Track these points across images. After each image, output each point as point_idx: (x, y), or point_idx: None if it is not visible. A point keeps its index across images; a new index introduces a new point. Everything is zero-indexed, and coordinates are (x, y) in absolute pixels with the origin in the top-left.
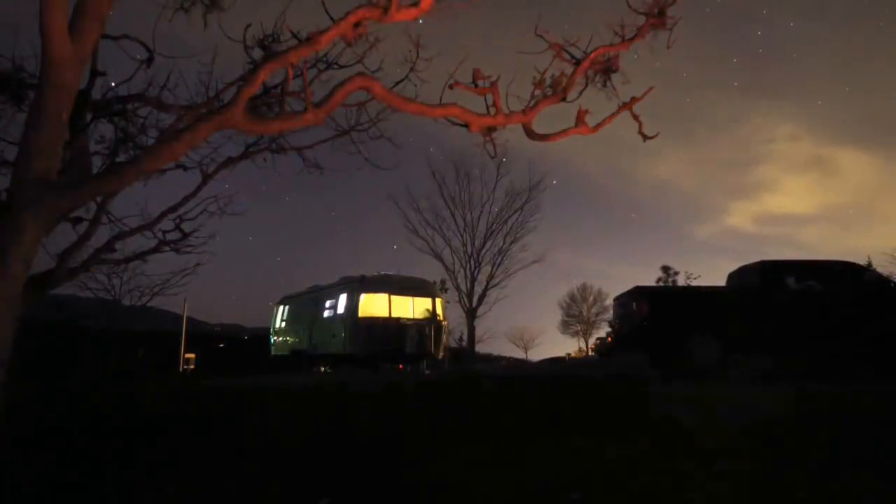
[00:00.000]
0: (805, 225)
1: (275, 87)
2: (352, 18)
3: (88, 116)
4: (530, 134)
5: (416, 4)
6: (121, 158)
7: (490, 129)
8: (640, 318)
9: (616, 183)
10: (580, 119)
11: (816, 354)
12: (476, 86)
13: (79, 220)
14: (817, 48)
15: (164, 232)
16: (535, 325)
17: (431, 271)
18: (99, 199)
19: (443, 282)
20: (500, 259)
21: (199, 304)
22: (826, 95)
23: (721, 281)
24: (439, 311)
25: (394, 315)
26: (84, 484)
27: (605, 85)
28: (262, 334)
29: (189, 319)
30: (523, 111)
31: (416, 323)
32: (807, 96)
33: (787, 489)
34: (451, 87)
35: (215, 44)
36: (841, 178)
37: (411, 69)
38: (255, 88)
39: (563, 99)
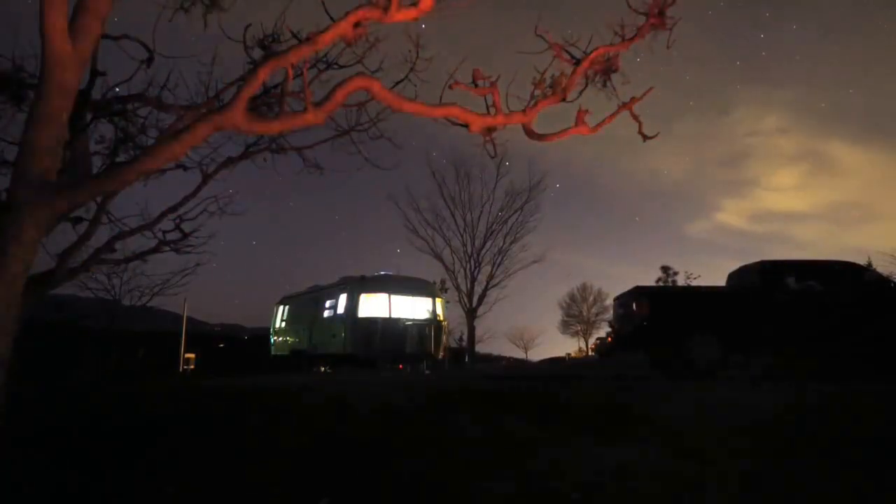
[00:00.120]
0: (803, 222)
1: (275, 87)
2: (352, 18)
3: (88, 116)
4: (530, 134)
5: (415, 4)
6: (121, 158)
7: (490, 129)
8: (640, 318)
9: (615, 183)
10: (580, 119)
11: (816, 354)
12: (476, 86)
13: (79, 220)
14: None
15: (164, 232)
16: (535, 325)
17: (431, 271)
18: (99, 199)
19: (443, 282)
20: (500, 259)
21: (199, 304)
22: (828, 94)
23: (719, 280)
24: (439, 311)
25: (394, 315)
26: (84, 484)
27: (605, 85)
28: (262, 334)
29: (189, 319)
30: (523, 111)
31: (416, 323)
32: (809, 96)
33: (787, 489)
34: (451, 87)
35: (215, 44)
36: (840, 175)
37: (411, 69)
38: (255, 88)
39: (563, 99)
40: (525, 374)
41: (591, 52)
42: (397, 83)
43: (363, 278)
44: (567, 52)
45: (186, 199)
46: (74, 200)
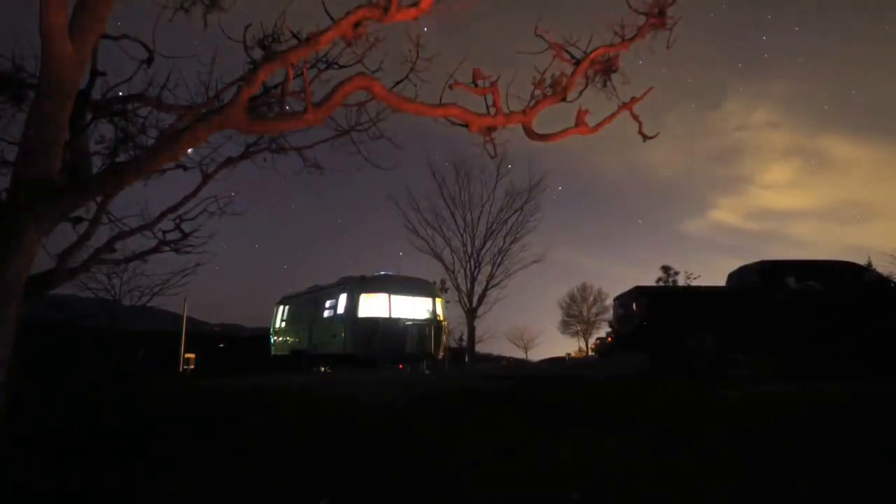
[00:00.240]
0: (801, 220)
1: (275, 87)
2: (352, 18)
3: (88, 116)
4: (530, 134)
5: (416, 4)
6: (121, 158)
7: (490, 129)
8: (640, 318)
9: (614, 183)
10: (580, 119)
11: (816, 354)
12: (476, 86)
13: (79, 220)
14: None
15: (164, 232)
16: (535, 325)
17: (431, 271)
18: (99, 199)
19: (443, 282)
20: (500, 259)
21: (199, 304)
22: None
23: (718, 279)
24: (439, 311)
25: (394, 315)
26: (84, 484)
27: (605, 85)
28: (262, 334)
29: (189, 319)
30: (523, 111)
31: (416, 323)
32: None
33: (786, 489)
34: (451, 87)
35: (215, 44)
36: (837, 172)
37: (411, 69)
38: (255, 88)
39: (563, 99)
40: (525, 374)
41: (591, 52)
42: (397, 83)
43: (363, 278)
44: (567, 52)
45: (186, 199)
46: (74, 200)
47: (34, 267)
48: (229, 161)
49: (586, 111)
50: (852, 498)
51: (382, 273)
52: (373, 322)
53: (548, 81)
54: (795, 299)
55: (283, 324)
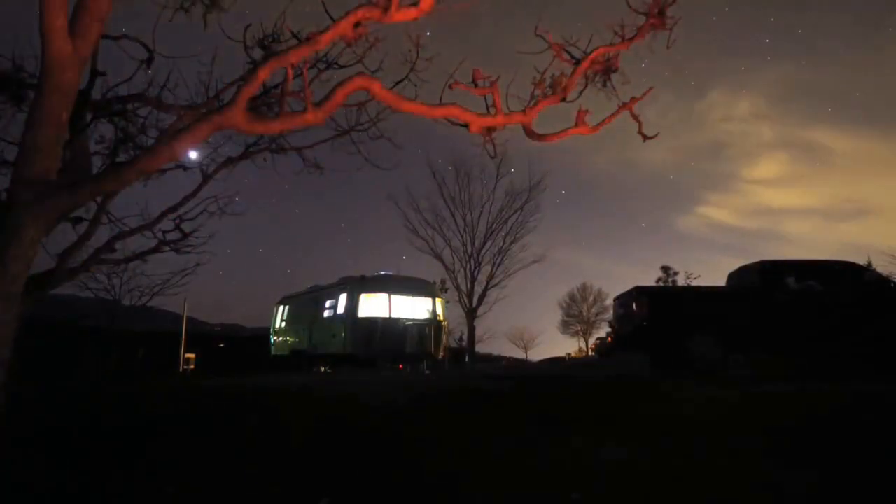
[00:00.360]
0: (799, 217)
1: (275, 87)
2: (352, 18)
3: (88, 116)
4: (530, 134)
5: (415, 4)
6: (121, 158)
7: (490, 129)
8: (640, 318)
9: (612, 181)
10: (580, 119)
11: (816, 354)
12: (476, 86)
13: (79, 220)
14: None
15: (164, 232)
16: (535, 325)
17: (431, 271)
18: (99, 199)
19: (443, 282)
20: (500, 259)
21: (199, 304)
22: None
23: (716, 278)
24: (439, 311)
25: (394, 315)
26: (84, 484)
27: (605, 85)
28: (262, 334)
29: (189, 319)
30: (523, 111)
31: (416, 323)
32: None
33: (786, 489)
34: (451, 87)
35: (215, 44)
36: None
37: (411, 69)
38: (255, 88)
39: (563, 99)
40: (525, 375)
41: (591, 52)
42: (397, 83)
43: (363, 278)
44: (567, 52)
45: (186, 199)
46: (74, 200)
47: (34, 267)
48: (229, 161)
49: (586, 111)
50: (852, 498)
51: (382, 273)
52: (373, 322)
53: (548, 81)
54: (795, 299)
55: (283, 324)
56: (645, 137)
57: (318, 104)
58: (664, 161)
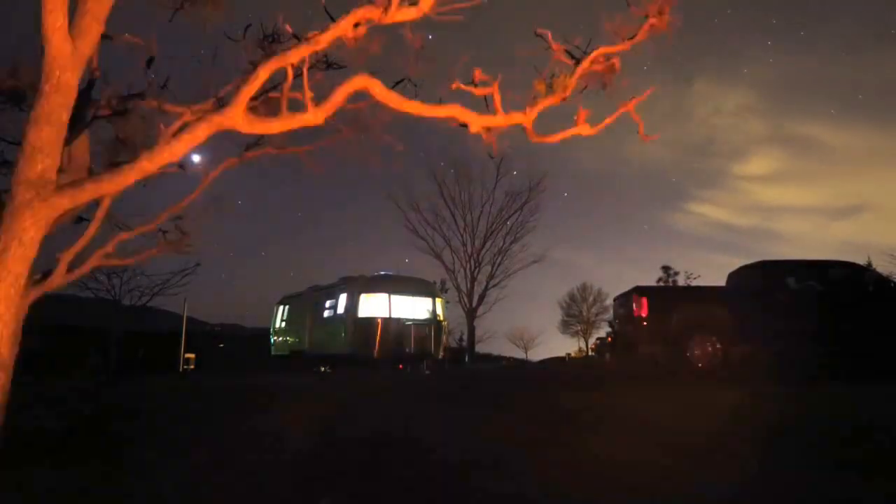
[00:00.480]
0: (796, 214)
1: (275, 87)
2: (352, 18)
3: (88, 116)
4: (530, 134)
5: (415, 4)
6: (121, 158)
7: (490, 129)
8: (640, 318)
9: (614, 182)
10: (580, 119)
11: (816, 354)
12: (476, 86)
13: (79, 220)
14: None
15: (164, 232)
16: (535, 325)
17: (431, 271)
18: (99, 199)
19: (443, 282)
20: (500, 259)
21: (199, 304)
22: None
23: (715, 277)
24: (439, 311)
25: (394, 315)
26: (84, 484)
27: (605, 85)
28: (262, 334)
29: (189, 319)
30: (523, 111)
31: (416, 323)
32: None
33: (786, 490)
34: (451, 87)
35: (215, 44)
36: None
37: (411, 69)
38: (255, 88)
39: (564, 99)
40: (525, 374)
41: (591, 52)
42: (397, 83)
43: (363, 278)
44: (567, 52)
45: (186, 199)
46: (74, 200)
47: (34, 267)
48: (229, 161)
49: (586, 111)
50: (851, 498)
51: (382, 273)
52: (373, 322)
53: (548, 81)
54: (795, 299)
55: (283, 324)
56: (645, 137)
57: (318, 104)
58: (662, 159)
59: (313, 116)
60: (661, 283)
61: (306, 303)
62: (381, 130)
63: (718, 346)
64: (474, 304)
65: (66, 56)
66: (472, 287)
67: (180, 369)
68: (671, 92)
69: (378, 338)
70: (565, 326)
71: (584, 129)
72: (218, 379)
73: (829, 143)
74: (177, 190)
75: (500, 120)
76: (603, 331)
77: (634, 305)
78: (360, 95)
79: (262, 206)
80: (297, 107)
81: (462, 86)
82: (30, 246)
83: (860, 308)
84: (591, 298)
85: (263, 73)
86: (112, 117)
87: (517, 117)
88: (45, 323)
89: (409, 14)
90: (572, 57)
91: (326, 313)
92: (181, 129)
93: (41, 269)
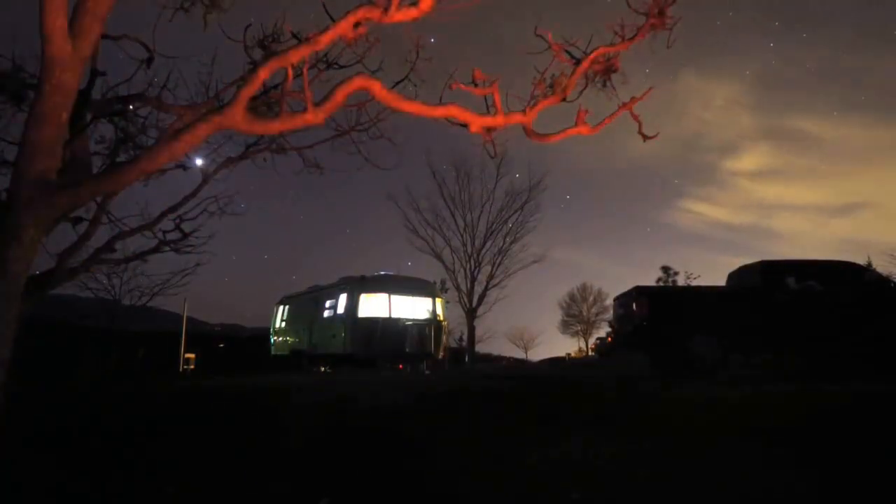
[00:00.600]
0: (795, 212)
1: (275, 87)
2: (352, 18)
3: (88, 116)
4: (530, 134)
5: (415, 4)
6: (121, 158)
7: (490, 129)
8: (640, 318)
9: (613, 181)
10: (580, 119)
11: (816, 354)
12: (476, 86)
13: (79, 220)
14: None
15: (164, 232)
16: (535, 325)
17: (431, 271)
18: (99, 199)
19: (443, 282)
20: (500, 259)
21: (199, 304)
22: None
23: (715, 276)
24: (439, 311)
25: (394, 315)
26: (84, 484)
27: (605, 85)
28: (262, 334)
29: (189, 319)
30: (523, 111)
31: (416, 323)
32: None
33: (786, 489)
34: (451, 87)
35: (215, 44)
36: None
37: (411, 69)
38: (255, 88)
39: (564, 99)
40: (525, 374)
41: (591, 52)
42: (397, 83)
43: (363, 278)
44: (567, 52)
45: (186, 199)
46: (74, 200)
47: (34, 267)
48: (229, 161)
49: (586, 111)
50: (852, 498)
51: (382, 273)
52: (373, 322)
53: (548, 81)
54: (795, 299)
55: (283, 324)
56: (645, 137)
57: (318, 104)
58: (659, 157)
59: (313, 116)
60: (661, 283)
61: (306, 303)
62: (382, 131)
63: (718, 346)
64: (474, 304)
65: (66, 56)
66: (472, 287)
67: (180, 369)
68: (668, 89)
69: (378, 338)
70: (565, 326)
71: (584, 129)
72: (218, 379)
73: (828, 141)
74: (177, 190)
75: (500, 120)
76: (603, 331)
77: (634, 305)
78: (360, 95)
79: (262, 207)
80: (297, 107)
81: (462, 86)
82: (30, 246)
83: (860, 308)
84: (591, 298)
85: (263, 73)
86: (112, 117)
87: (517, 117)
88: (44, 323)
89: (409, 14)
90: (572, 57)
91: (326, 313)
92: (181, 129)
93: (41, 269)
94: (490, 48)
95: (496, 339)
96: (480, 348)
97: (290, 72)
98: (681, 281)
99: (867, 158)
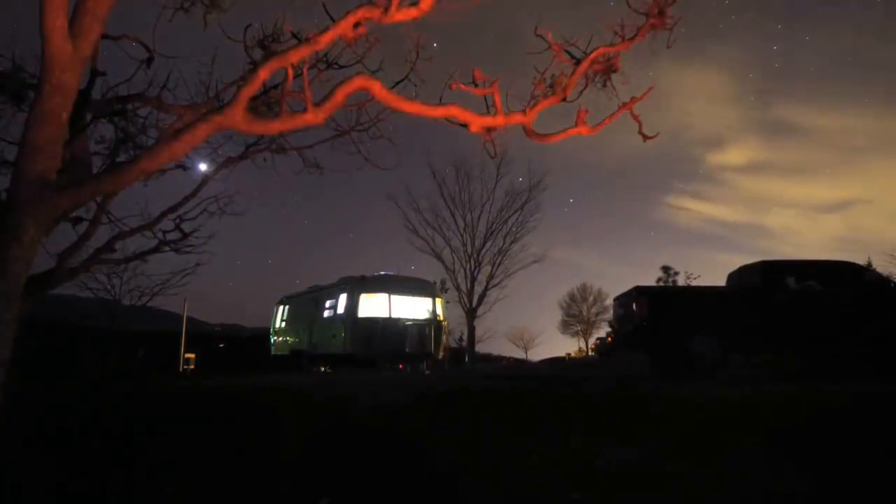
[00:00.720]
0: (793, 210)
1: (275, 87)
2: (352, 18)
3: (88, 116)
4: (530, 134)
5: (415, 4)
6: (121, 158)
7: (490, 129)
8: (640, 318)
9: (614, 181)
10: (580, 119)
11: (816, 354)
12: (476, 86)
13: (79, 220)
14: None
15: (164, 232)
16: (535, 325)
17: (431, 271)
18: (99, 199)
19: (443, 282)
20: (500, 259)
21: (199, 304)
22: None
23: (714, 275)
24: (439, 311)
25: (394, 315)
26: (84, 484)
27: (605, 85)
28: (262, 334)
29: (189, 319)
30: (523, 111)
31: (416, 323)
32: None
33: (786, 490)
34: (450, 87)
35: (215, 44)
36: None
37: (411, 69)
38: (255, 88)
39: (564, 99)
40: (525, 375)
41: (591, 52)
42: (397, 83)
43: (363, 278)
44: (567, 52)
45: (186, 199)
46: (74, 200)
47: (34, 267)
48: (229, 161)
49: (586, 111)
50: (852, 498)
51: (382, 273)
52: (373, 322)
53: (548, 81)
54: (795, 299)
55: (283, 324)
56: (645, 137)
57: (318, 104)
58: (658, 155)
59: (313, 116)
60: (661, 283)
61: (306, 303)
62: (382, 131)
63: (718, 346)
64: (474, 304)
65: (66, 56)
66: (472, 287)
67: (180, 369)
68: (665, 84)
69: (378, 338)
70: (565, 326)
71: (584, 129)
72: (218, 379)
73: (829, 139)
74: (177, 190)
75: (500, 120)
76: (603, 331)
77: (634, 305)
78: (360, 95)
79: (263, 207)
80: (297, 107)
81: (462, 86)
82: (29, 246)
83: (860, 308)
84: (591, 298)
85: (263, 73)
86: (112, 117)
87: (517, 117)
88: (44, 323)
89: (409, 14)
90: (572, 57)
91: (326, 313)
92: (181, 129)
93: (41, 269)
94: (490, 48)
95: (496, 339)
96: (480, 348)
97: (290, 72)
98: (681, 281)
99: (866, 156)
